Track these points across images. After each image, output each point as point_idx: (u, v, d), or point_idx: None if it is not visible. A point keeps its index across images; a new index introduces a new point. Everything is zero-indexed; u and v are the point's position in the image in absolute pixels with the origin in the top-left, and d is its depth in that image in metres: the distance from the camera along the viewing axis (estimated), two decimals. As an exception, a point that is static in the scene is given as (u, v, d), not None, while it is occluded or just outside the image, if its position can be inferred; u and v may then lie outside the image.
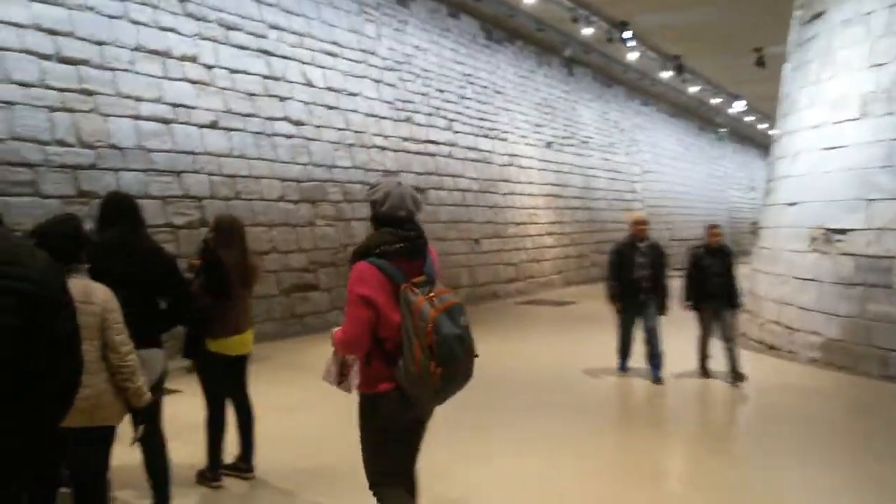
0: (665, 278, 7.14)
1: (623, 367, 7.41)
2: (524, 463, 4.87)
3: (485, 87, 15.17)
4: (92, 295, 2.98)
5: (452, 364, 2.65)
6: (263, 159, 9.57)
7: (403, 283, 2.69)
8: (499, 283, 14.47)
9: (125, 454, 3.81)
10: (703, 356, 7.29)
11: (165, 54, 8.53)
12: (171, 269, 3.77)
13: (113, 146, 7.83)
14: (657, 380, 7.04)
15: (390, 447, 2.87)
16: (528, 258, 15.62)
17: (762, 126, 29.49)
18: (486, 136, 14.89)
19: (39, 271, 1.90)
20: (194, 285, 4.13)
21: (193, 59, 8.85)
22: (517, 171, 15.82)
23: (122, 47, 8.06)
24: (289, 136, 10.01)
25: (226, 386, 4.44)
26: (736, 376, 6.98)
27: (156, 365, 3.63)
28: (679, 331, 7.62)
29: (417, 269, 2.78)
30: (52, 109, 7.31)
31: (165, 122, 8.42)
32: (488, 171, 14.74)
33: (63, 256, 2.89)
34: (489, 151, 14.91)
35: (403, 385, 2.70)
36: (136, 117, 8.11)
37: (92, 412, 2.95)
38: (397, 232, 2.76)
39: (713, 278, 6.98)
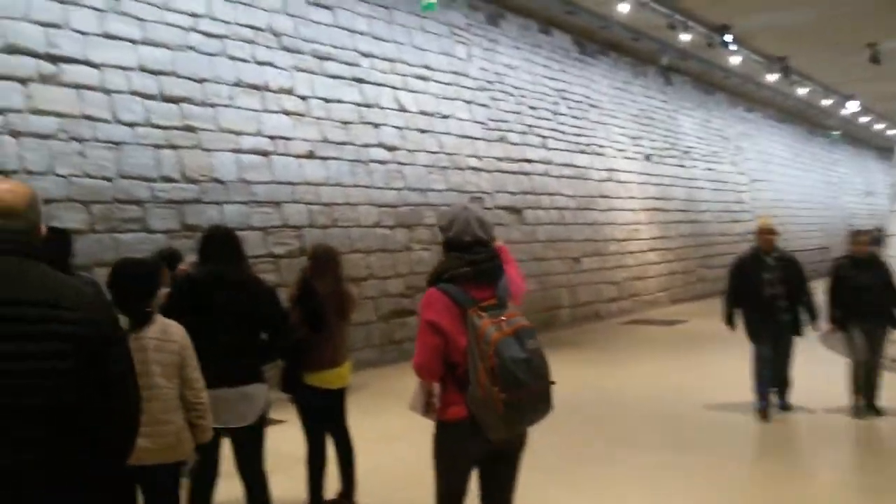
0: (808, 294, 6.37)
1: (763, 406, 6.32)
2: None
3: (579, 101, 14.83)
4: (171, 333, 3.01)
5: (516, 389, 2.60)
6: (359, 186, 9.62)
7: (470, 307, 2.69)
8: (601, 302, 13.99)
9: (228, 487, 3.75)
10: (862, 387, 6.29)
11: (263, 88, 8.71)
12: (271, 300, 3.71)
13: (216, 180, 8.03)
14: (784, 406, 6.49)
15: (456, 475, 2.85)
16: (630, 276, 15.06)
17: (879, 126, 27.57)
18: (582, 152, 14.52)
19: (86, 311, 1.83)
20: (292, 317, 4.07)
21: (290, 91, 9.01)
22: (616, 186, 15.33)
23: (221, 83, 8.28)
24: (383, 162, 10.03)
25: (324, 420, 4.35)
26: (872, 409, 6.29)
27: (259, 401, 3.57)
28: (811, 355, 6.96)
29: (488, 292, 2.78)
30: (158, 147, 7.56)
31: (265, 154, 8.58)
32: (586, 187, 14.34)
33: (132, 297, 2.96)
34: (586, 167, 14.52)
35: (472, 411, 2.68)
36: (237, 151, 8.30)
37: (174, 448, 2.97)
38: (463, 256, 2.78)
39: (862, 293, 6.09)
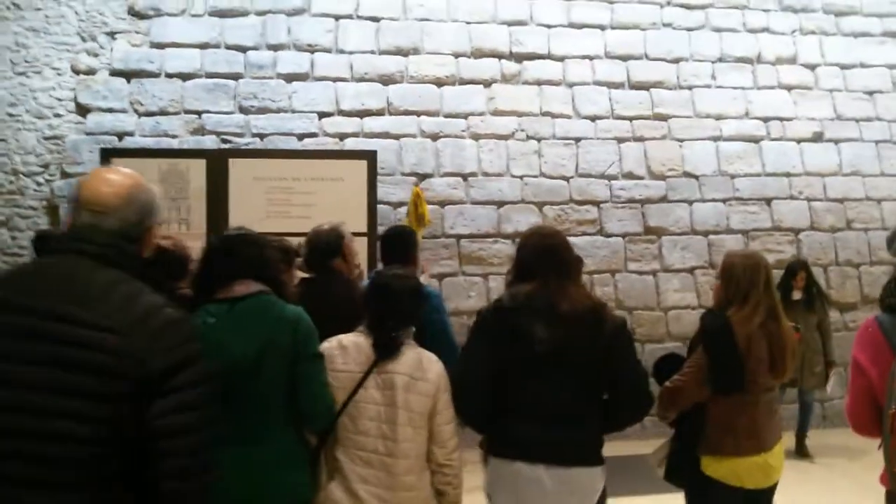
0: None
1: None
2: None
3: None
4: (426, 369, 2.33)
5: None
6: (886, 175, 7.26)
7: None
8: None
9: None
10: None
11: (755, 60, 7.17)
12: (624, 344, 2.55)
13: (688, 174, 6.90)
14: None
15: None
16: None
17: None
18: None
19: (139, 339, 1.39)
20: (691, 368, 2.83)
21: (792, 60, 7.24)
22: None
23: (701, 61, 7.07)
24: (929, 142, 7.39)
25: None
26: None
27: (590, 495, 2.48)
28: None
29: None
30: (621, 140, 6.80)
31: (753, 140, 7.07)
32: None
33: (389, 318, 2.42)
34: None
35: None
36: (717, 138, 7.00)
37: None
38: None
39: None
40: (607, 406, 2.49)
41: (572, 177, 6.68)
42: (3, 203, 5.98)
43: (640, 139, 6.84)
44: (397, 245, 3.59)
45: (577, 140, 6.72)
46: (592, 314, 2.42)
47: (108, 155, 5.39)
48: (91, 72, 6.15)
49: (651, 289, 6.73)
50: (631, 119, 6.84)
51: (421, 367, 2.36)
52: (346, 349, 2.38)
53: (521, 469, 2.37)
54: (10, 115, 6.04)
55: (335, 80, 6.38)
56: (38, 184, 6.04)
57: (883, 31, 7.44)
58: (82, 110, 6.10)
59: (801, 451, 5.80)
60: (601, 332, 2.39)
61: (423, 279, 5.96)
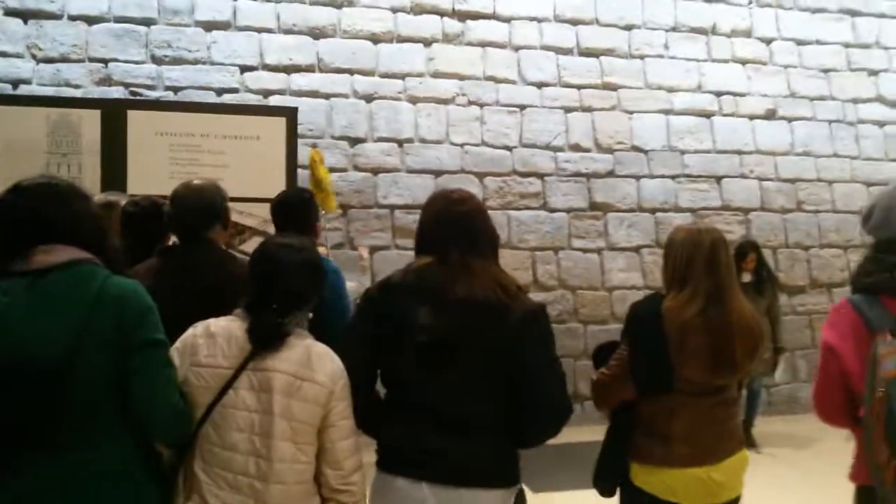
0: None
1: None
2: None
3: None
4: (317, 367, 1.84)
5: None
6: (840, 156, 7.04)
7: (882, 330, 1.85)
8: None
9: None
10: None
11: (709, 31, 6.85)
12: (535, 329, 2.12)
13: (636, 148, 6.56)
14: None
15: None
16: None
17: None
18: None
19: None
20: (616, 360, 2.43)
21: (747, 34, 6.94)
22: None
23: (655, 29, 6.71)
24: (881, 124, 7.19)
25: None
26: None
27: None
28: None
29: None
30: (568, 110, 6.41)
31: (705, 115, 6.76)
32: None
33: (287, 300, 1.91)
34: None
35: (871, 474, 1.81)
36: (668, 112, 6.66)
37: None
38: (883, 258, 1.98)
39: None
40: (514, 415, 1.93)
41: (516, 146, 6.27)
42: None
43: (588, 109, 6.46)
44: (291, 212, 3.04)
45: (522, 108, 6.31)
46: (495, 299, 1.89)
47: (-15, 100, 4.75)
48: (-18, 10, 5.47)
49: (596, 267, 6.39)
50: (579, 87, 6.45)
51: (309, 364, 1.82)
52: (213, 337, 1.86)
53: (402, 487, 1.90)
54: None
55: (259, 30, 5.83)
56: (-81, 134, 5.35)
57: (840, 7, 7.20)
58: (-29, 53, 5.43)
59: (747, 441, 5.56)
60: (505, 322, 1.87)
61: (363, 253, 5.56)
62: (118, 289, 1.72)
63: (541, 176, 6.31)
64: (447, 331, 1.87)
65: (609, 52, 6.55)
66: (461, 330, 1.88)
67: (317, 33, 5.92)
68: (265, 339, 1.83)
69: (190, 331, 1.90)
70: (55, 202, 1.73)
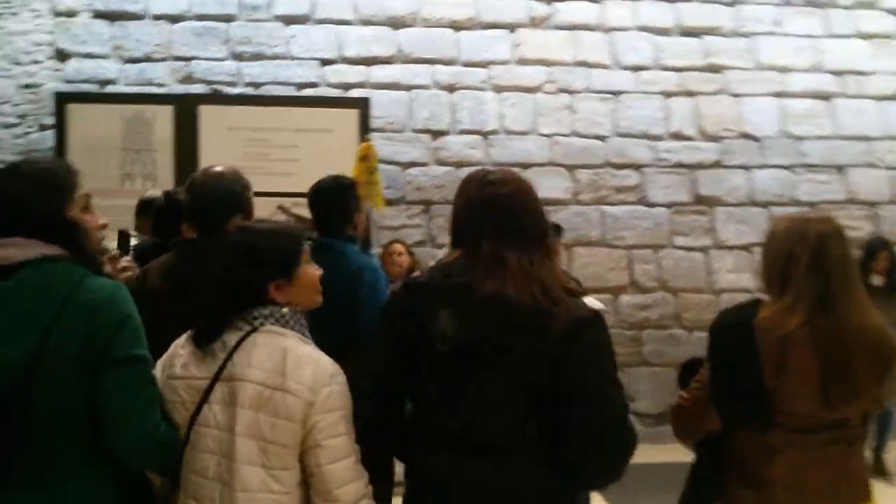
0: None
1: None
2: None
3: None
4: (292, 374, 1.50)
5: None
6: None
7: None
8: None
9: None
10: None
11: (828, 4, 6.17)
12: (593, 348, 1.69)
13: (745, 135, 5.95)
14: None
15: None
16: None
17: None
18: None
19: None
20: (695, 389, 1.96)
21: (870, 5, 6.21)
22: None
23: (763, 3, 6.09)
24: None
25: None
26: None
27: None
28: None
29: None
30: (667, 95, 5.90)
31: (824, 96, 6.07)
32: None
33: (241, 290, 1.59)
34: None
35: None
36: (781, 94, 6.02)
37: None
38: None
39: None
40: (567, 450, 1.51)
41: (609, 136, 5.81)
42: (-25, 157, 5.44)
43: (691, 93, 5.91)
44: (320, 199, 2.68)
45: (616, 94, 5.84)
46: (531, 301, 1.50)
47: (63, 100, 4.77)
48: (71, 13, 5.55)
49: (700, 268, 5.82)
50: (679, 70, 5.92)
51: (283, 370, 1.49)
52: (191, 344, 1.60)
53: None
54: (-16, 61, 5.50)
55: (338, 23, 5.65)
56: (16, 136, 5.47)
57: (984, -30, 6.33)
58: (61, 56, 5.51)
59: (878, 469, 4.89)
60: (544, 331, 1.48)
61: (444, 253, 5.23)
62: (90, 293, 1.42)
63: (638, 167, 5.82)
64: (471, 338, 1.49)
65: (713, 31, 5.98)
66: (488, 338, 1.50)
67: (396, 23, 5.69)
68: (206, 331, 1.53)
69: (178, 339, 1.63)
70: (21, 190, 1.47)
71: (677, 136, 5.87)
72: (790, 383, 1.76)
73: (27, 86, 5.47)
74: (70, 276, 1.43)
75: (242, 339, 1.53)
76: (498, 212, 1.61)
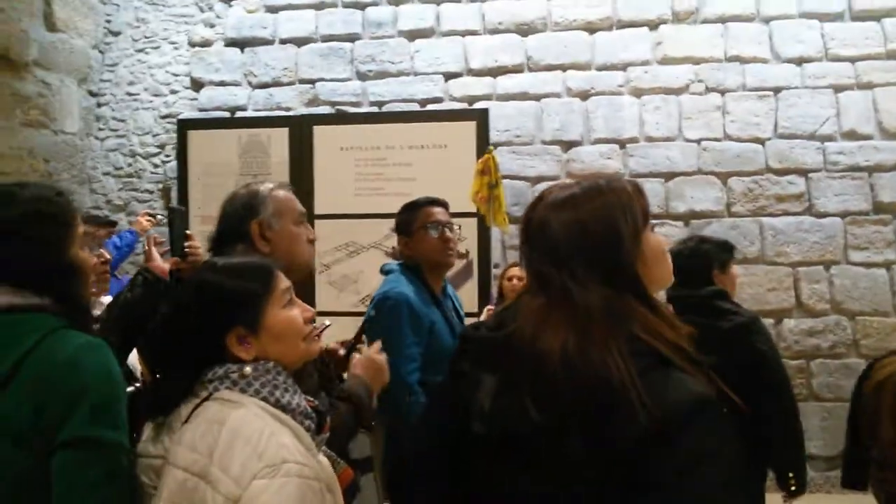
0: None
1: None
2: None
3: None
4: (223, 456, 1.13)
5: None
6: None
7: None
8: None
9: None
10: None
11: None
12: None
13: (939, 131, 5.07)
14: None
15: None
16: None
17: None
18: None
19: None
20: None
21: None
22: None
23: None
24: None
25: None
26: None
27: None
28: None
29: None
30: (838, 89, 5.12)
31: None
32: None
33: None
34: None
35: None
36: (983, 81, 5.07)
37: None
38: None
39: None
40: None
41: (769, 138, 5.13)
42: (121, 186, 5.67)
43: (868, 86, 5.10)
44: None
45: (777, 91, 5.14)
46: (609, 370, 1.02)
47: (185, 127, 4.82)
48: (207, 43, 5.66)
49: (882, 286, 5.00)
50: (853, 60, 5.12)
51: (213, 451, 1.12)
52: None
53: None
54: (129, 94, 5.71)
55: (464, 34, 5.37)
56: (155, 165, 5.65)
57: None
58: (196, 85, 5.63)
59: None
60: (624, 423, 1.00)
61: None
62: (49, 353, 1.16)
63: (804, 173, 5.09)
64: (512, 418, 1.07)
65: (892, 13, 5.14)
66: (534, 419, 1.05)
67: (525, 29, 5.33)
68: (151, 404, 1.24)
69: None
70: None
71: (851, 136, 5.08)
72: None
73: (165, 116, 5.64)
74: (34, 330, 1.18)
75: (193, 410, 1.20)
76: (564, 236, 1.17)
